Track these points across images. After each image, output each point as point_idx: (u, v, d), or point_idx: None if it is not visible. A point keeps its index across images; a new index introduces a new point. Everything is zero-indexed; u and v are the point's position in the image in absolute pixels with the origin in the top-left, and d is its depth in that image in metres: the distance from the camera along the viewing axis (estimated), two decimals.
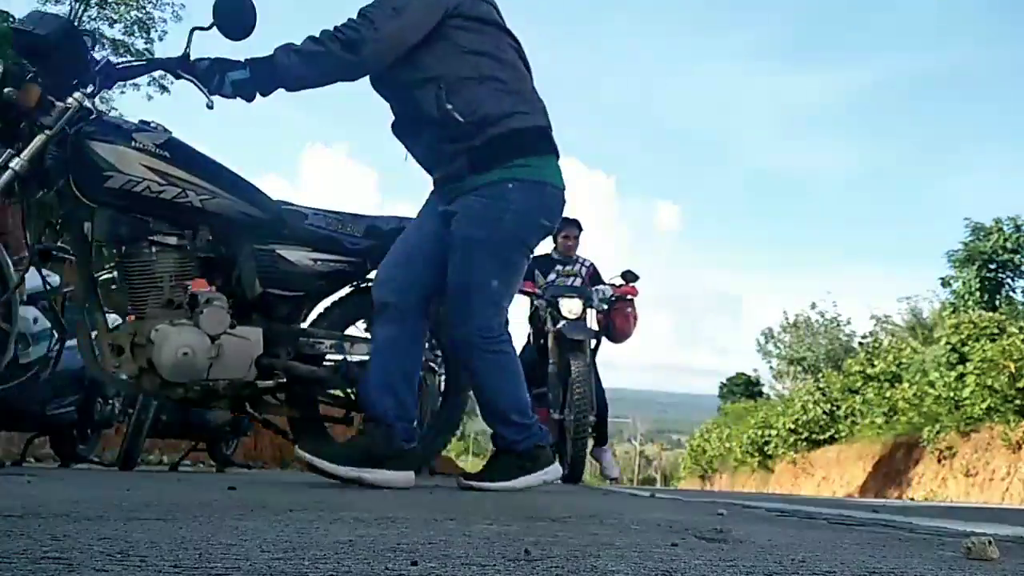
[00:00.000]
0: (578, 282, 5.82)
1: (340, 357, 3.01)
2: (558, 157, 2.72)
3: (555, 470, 2.75)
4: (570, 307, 5.41)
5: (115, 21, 17.36)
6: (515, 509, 1.83)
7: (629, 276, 5.76)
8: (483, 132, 2.55)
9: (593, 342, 5.65)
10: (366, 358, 2.91)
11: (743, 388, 29.98)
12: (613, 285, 5.74)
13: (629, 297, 5.75)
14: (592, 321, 5.69)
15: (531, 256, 2.85)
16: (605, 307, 5.64)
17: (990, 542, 1.13)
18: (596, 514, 1.75)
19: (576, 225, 6.00)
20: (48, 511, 1.23)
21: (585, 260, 6.02)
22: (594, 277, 5.89)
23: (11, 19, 15.33)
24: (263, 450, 9.65)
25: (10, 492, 1.60)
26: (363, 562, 0.84)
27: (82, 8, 17.07)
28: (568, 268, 5.93)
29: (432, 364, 4.95)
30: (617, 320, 5.72)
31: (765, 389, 27.95)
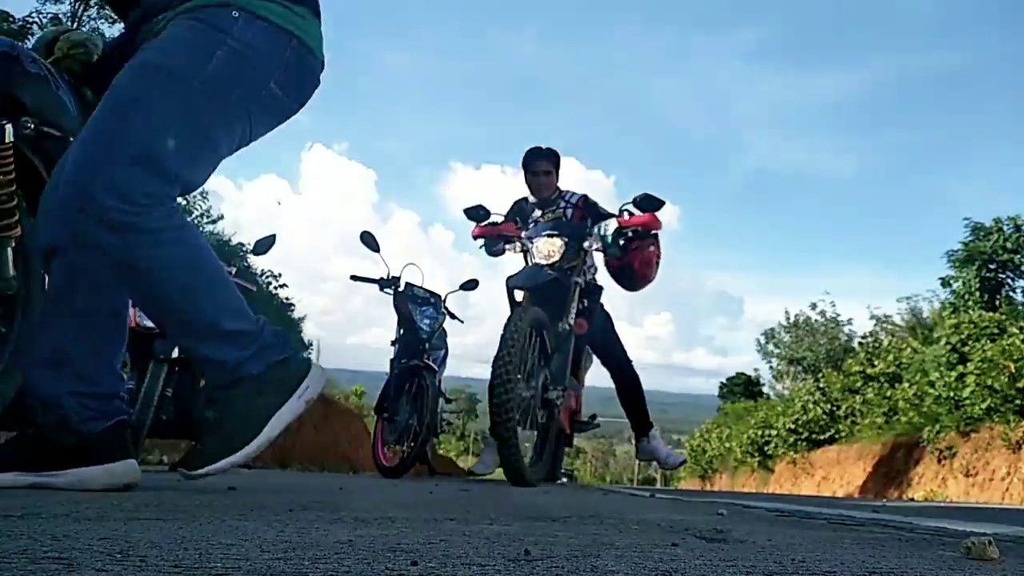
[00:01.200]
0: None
1: None
2: (319, 20, 1.86)
3: (318, 375, 1.76)
4: (546, 250, 4.00)
5: (115, 21, 17.42)
6: (515, 509, 1.83)
7: (647, 204, 4.14)
8: None
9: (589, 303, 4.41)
10: None
11: (743, 388, 30.00)
12: (620, 215, 4.29)
13: (653, 232, 4.32)
14: (592, 266, 4.47)
15: (248, 135, 1.80)
16: (619, 249, 4.33)
17: (990, 542, 1.13)
18: (596, 514, 1.75)
19: (546, 158, 4.62)
20: (48, 511, 1.23)
21: (570, 194, 4.67)
22: (590, 209, 4.49)
23: (11, 19, 15.36)
24: None
25: (10, 492, 1.60)
26: (363, 562, 0.84)
27: (82, 8, 17.12)
28: (549, 210, 4.62)
29: (431, 363, 4.94)
30: (636, 262, 4.35)
31: (765, 389, 27.98)
